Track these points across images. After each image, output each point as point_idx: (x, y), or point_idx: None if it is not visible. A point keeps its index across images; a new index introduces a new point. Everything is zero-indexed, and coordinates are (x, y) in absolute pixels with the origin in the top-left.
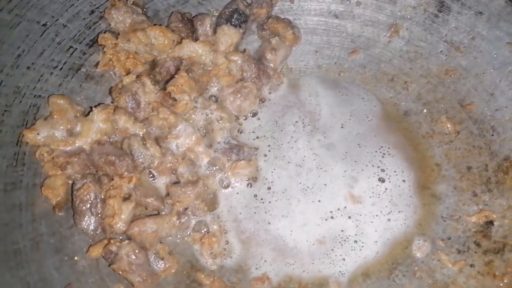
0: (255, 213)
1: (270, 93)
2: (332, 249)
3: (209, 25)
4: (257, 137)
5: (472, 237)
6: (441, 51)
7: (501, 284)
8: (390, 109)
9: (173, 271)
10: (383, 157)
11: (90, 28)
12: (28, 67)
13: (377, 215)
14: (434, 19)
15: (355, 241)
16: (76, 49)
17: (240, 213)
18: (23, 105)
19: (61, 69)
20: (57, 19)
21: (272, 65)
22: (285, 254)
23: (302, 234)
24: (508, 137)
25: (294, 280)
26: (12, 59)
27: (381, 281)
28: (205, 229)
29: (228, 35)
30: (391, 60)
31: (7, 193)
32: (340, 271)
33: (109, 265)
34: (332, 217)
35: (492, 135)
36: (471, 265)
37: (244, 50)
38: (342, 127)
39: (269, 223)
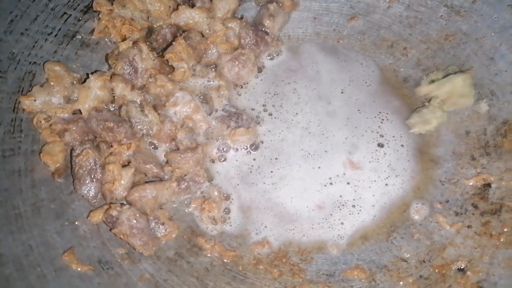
0: (254, 180)
1: (270, 59)
2: (331, 214)
3: None
4: (257, 103)
5: (470, 199)
6: (441, 16)
7: (497, 243)
8: (389, 75)
9: (173, 236)
10: (382, 122)
11: None
12: (21, 33)
13: (375, 180)
14: None
15: (353, 206)
16: (71, 15)
17: (240, 181)
18: (18, 71)
19: (55, 35)
20: None
21: (270, 32)
22: (285, 220)
23: (301, 200)
24: (507, 100)
25: (294, 244)
26: (5, 24)
27: (380, 243)
28: (204, 195)
29: (225, 2)
30: (390, 26)
31: (6, 159)
32: (339, 235)
33: (110, 230)
34: (331, 183)
35: (491, 99)
36: (468, 226)
37: (242, 17)
38: (342, 92)
39: (269, 190)
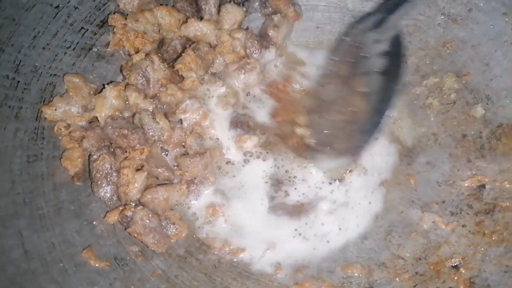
0: (258, 185)
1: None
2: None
3: (213, 4)
4: (262, 110)
5: (465, 200)
6: (439, 23)
7: (490, 241)
8: None
9: (183, 235)
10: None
11: (99, 9)
12: (43, 48)
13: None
14: None
15: (352, 208)
16: (87, 30)
17: (244, 185)
18: (41, 83)
19: (74, 49)
20: (69, 1)
21: (274, 41)
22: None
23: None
24: (502, 105)
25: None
26: (29, 40)
27: (378, 242)
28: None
29: (232, 14)
30: None
31: (30, 164)
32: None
33: (125, 229)
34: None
35: (487, 103)
36: (463, 226)
37: (247, 28)
38: None
39: (272, 196)
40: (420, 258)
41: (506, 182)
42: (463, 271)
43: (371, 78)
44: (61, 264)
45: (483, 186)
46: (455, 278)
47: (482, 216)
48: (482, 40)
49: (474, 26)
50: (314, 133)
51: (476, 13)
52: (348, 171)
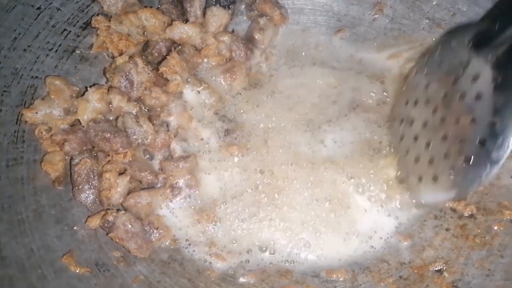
0: (242, 194)
1: (259, 71)
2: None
3: (198, 6)
4: (247, 115)
5: (449, 203)
6: (423, 27)
7: (472, 245)
8: None
9: (167, 240)
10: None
11: (83, 11)
12: (24, 49)
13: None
14: None
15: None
16: (70, 31)
17: (229, 191)
18: (21, 85)
19: (56, 51)
20: (51, 3)
21: (260, 44)
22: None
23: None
24: None
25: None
26: (9, 41)
27: (362, 245)
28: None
29: (218, 16)
30: (375, 38)
31: (9, 168)
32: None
33: (107, 234)
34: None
35: None
36: (447, 229)
37: (233, 31)
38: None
39: (258, 200)
40: (404, 262)
41: (488, 184)
42: (446, 275)
43: (478, 101)
44: (40, 270)
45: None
46: (439, 282)
47: (465, 220)
48: None
49: None
50: (403, 162)
51: (460, 17)
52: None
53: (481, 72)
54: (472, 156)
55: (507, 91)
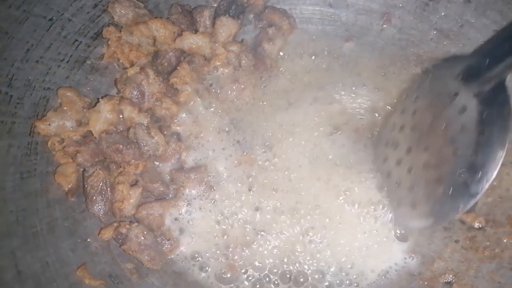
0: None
1: (268, 80)
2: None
3: (208, 16)
4: (257, 125)
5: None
6: (432, 38)
7: (482, 257)
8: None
9: (179, 250)
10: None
11: (94, 21)
12: (37, 61)
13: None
14: (425, 7)
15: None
16: (81, 42)
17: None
18: (34, 97)
19: (67, 62)
20: (63, 14)
21: (269, 54)
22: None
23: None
24: None
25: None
26: (22, 53)
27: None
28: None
29: (227, 26)
30: (383, 48)
31: (23, 180)
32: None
33: (120, 246)
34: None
35: None
36: (456, 241)
37: (242, 41)
38: None
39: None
40: (414, 274)
41: (497, 196)
42: None
43: (462, 134)
44: (55, 284)
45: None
46: None
47: (474, 232)
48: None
49: (466, 41)
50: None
51: (468, 29)
52: None
53: (468, 105)
54: (451, 188)
55: (490, 127)
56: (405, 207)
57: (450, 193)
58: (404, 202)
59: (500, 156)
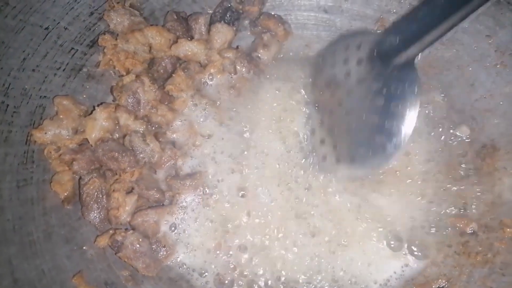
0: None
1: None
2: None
3: (203, 23)
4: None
5: (450, 220)
6: None
7: (474, 262)
8: None
9: (174, 257)
10: None
11: (89, 29)
12: (33, 69)
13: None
14: None
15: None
16: (77, 50)
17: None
18: (30, 106)
19: (64, 70)
20: (59, 22)
21: (264, 60)
22: None
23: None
24: (485, 126)
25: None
26: (18, 62)
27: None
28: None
29: (222, 33)
30: None
31: (20, 188)
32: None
33: (116, 253)
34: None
35: (472, 124)
36: (449, 246)
37: (237, 47)
38: None
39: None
40: (407, 280)
41: (490, 202)
42: None
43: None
44: None
45: (467, 205)
46: None
47: (466, 237)
48: (467, 61)
49: (459, 47)
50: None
51: (461, 34)
52: None
53: (378, 79)
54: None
55: (399, 90)
56: (330, 160)
57: (370, 153)
58: (329, 158)
59: (410, 118)
